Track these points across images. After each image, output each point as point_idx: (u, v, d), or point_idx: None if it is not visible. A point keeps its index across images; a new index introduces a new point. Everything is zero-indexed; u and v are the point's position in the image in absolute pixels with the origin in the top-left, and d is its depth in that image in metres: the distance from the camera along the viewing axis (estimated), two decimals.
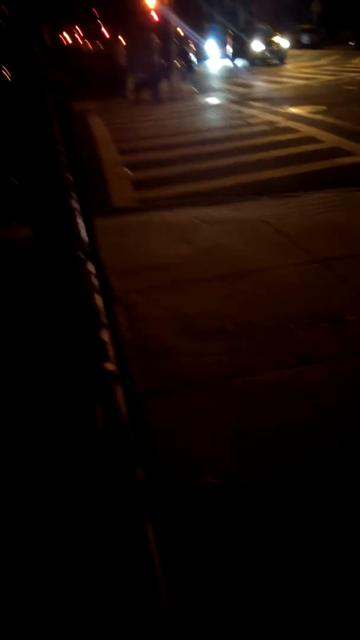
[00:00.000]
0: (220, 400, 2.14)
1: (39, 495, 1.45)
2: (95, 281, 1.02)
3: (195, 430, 1.99)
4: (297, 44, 31.11)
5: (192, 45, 22.84)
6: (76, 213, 1.18)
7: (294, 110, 10.29)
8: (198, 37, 27.15)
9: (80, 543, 1.14)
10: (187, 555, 1.50)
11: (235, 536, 1.55)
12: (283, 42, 23.34)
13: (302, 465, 1.78)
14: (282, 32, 24.64)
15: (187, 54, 20.77)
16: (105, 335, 0.86)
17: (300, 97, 11.92)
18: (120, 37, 16.59)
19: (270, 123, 9.12)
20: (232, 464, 1.81)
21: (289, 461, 1.81)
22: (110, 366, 0.70)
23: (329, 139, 7.46)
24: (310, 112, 9.83)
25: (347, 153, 6.58)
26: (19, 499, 1.48)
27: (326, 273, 3.19)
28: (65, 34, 48.51)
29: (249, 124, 9.21)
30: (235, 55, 24.89)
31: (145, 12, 18.53)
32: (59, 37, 44.57)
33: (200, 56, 26.02)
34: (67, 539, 1.26)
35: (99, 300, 0.98)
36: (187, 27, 24.30)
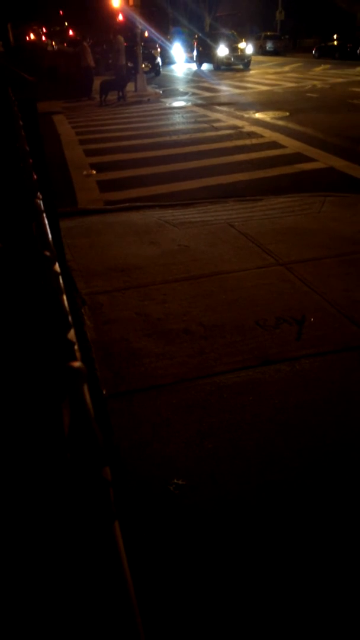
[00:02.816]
0: (185, 401, 2.17)
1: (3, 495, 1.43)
2: (61, 282, 1.02)
3: (160, 431, 2.01)
4: (260, 51, 31.79)
5: (158, 49, 22.94)
6: (42, 213, 1.18)
7: (258, 115, 10.51)
8: (164, 40, 27.29)
9: (47, 541, 1.14)
10: (154, 552, 1.53)
11: (195, 534, 1.59)
12: (248, 48, 23.79)
13: (265, 465, 1.84)
14: (246, 38, 25.10)
15: (153, 57, 20.84)
16: (72, 336, 0.87)
17: (264, 102, 12.18)
18: (86, 37, 16.39)
19: (235, 127, 9.28)
20: (195, 463, 1.84)
21: (250, 461, 1.86)
22: (77, 364, 0.71)
23: (292, 145, 7.67)
24: (273, 118, 10.07)
25: (309, 159, 6.79)
26: None
27: (289, 276, 3.29)
28: (30, 33, 47.60)
29: (214, 128, 9.34)
30: (200, 59, 25.15)
31: (111, 13, 18.45)
32: (24, 36, 43.67)
33: (167, 60, 26.16)
34: (33, 538, 1.25)
35: (65, 301, 0.98)
36: (153, 31, 24.39)
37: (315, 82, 15.96)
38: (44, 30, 52.61)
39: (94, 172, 6.64)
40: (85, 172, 6.61)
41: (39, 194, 1.31)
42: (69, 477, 0.71)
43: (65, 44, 28.84)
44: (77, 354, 0.90)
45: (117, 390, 2.26)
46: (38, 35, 50.41)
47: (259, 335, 2.64)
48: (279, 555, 1.51)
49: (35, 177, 1.42)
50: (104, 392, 2.23)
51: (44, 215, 1.22)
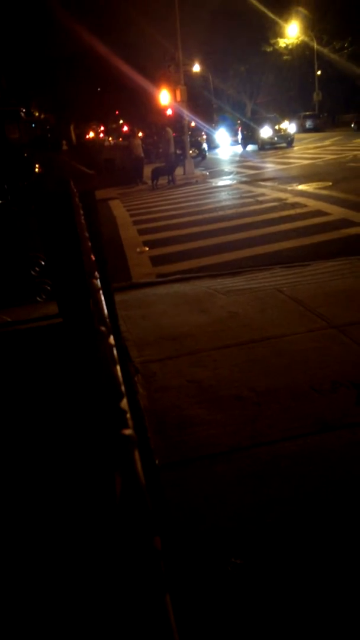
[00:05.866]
0: (240, 472, 2.10)
1: (57, 562, 1.43)
2: (115, 353, 1.09)
3: (214, 504, 1.93)
4: (301, 129, 33.71)
5: (204, 135, 25.02)
6: (99, 291, 1.29)
7: (301, 187, 10.91)
8: (209, 127, 29.75)
9: (97, 613, 1.11)
10: (208, 633, 1.42)
11: (251, 619, 1.46)
12: (290, 127, 25.35)
13: (332, 545, 1.70)
14: (288, 119, 26.82)
15: (199, 143, 22.70)
16: (125, 405, 0.92)
17: (307, 175, 12.68)
18: (137, 131, 18.37)
19: (279, 199, 9.66)
20: (252, 540, 1.74)
21: (315, 539, 1.73)
22: (128, 432, 0.75)
23: (336, 212, 7.82)
24: (316, 188, 10.40)
25: (354, 224, 6.86)
26: (39, 563, 1.46)
27: (343, 338, 3.22)
28: (90, 131, 53.97)
29: (259, 202, 9.77)
30: (245, 141, 26.99)
31: (161, 109, 20.63)
32: (85, 134, 49.56)
33: (212, 144, 28.32)
34: (85, 609, 1.22)
35: (119, 371, 1.05)
36: (199, 120, 26.77)
37: (356, 153, 16.49)
38: (102, 127, 59.34)
39: (147, 248, 7.08)
40: (138, 249, 7.07)
41: (96, 273, 1.44)
42: (120, 545, 0.72)
43: (120, 139, 32.23)
44: (130, 422, 0.94)
45: (170, 460, 2.23)
46: (97, 133, 56.79)
47: (315, 400, 2.56)
48: None
49: (93, 258, 1.57)
50: (157, 461, 2.21)
51: (100, 292, 1.33)
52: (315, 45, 35.09)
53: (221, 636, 1.43)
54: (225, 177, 14.92)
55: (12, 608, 1.39)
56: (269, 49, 35.86)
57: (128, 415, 0.96)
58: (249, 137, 26.37)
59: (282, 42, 36.04)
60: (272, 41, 35.64)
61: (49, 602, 1.36)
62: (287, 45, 36.54)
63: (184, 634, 1.37)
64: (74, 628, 1.22)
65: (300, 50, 36.89)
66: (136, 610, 0.67)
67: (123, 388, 1.04)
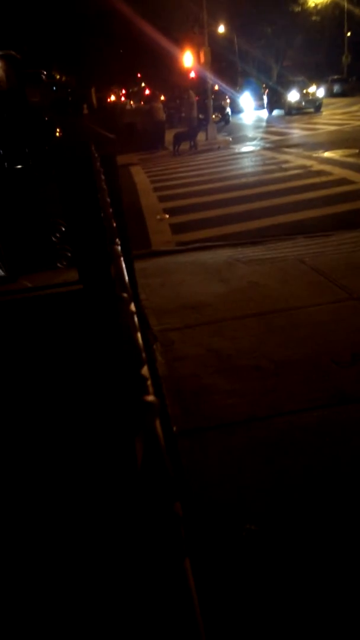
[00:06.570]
0: (256, 441, 2.11)
1: (79, 524, 1.48)
2: (136, 320, 1.09)
3: (231, 472, 1.96)
4: (329, 93, 32.11)
5: (228, 99, 24.09)
6: (120, 257, 1.27)
7: (327, 154, 10.50)
8: (233, 91, 28.59)
9: (118, 574, 1.15)
10: (224, 597, 1.46)
11: (266, 583, 1.50)
12: (318, 91, 24.17)
13: (347, 515, 1.71)
14: (316, 83, 25.55)
15: (223, 108, 21.89)
16: (146, 372, 0.92)
17: (333, 141, 12.17)
18: (159, 94, 17.81)
19: (304, 167, 9.33)
20: (268, 508, 1.76)
21: (329, 509, 1.74)
22: (150, 398, 0.75)
23: None
24: (342, 156, 9.99)
25: None
26: (59, 526, 1.52)
27: None
28: (111, 94, 52.60)
29: (283, 169, 9.46)
30: (271, 106, 25.91)
31: (184, 72, 19.88)
32: (106, 97, 48.32)
33: (236, 109, 27.28)
34: (107, 570, 1.27)
35: (139, 338, 1.04)
36: (222, 83, 25.73)
37: None
38: (124, 91, 57.76)
39: (167, 216, 6.98)
40: (158, 217, 6.97)
41: (117, 239, 1.41)
42: (141, 510, 0.73)
43: (142, 102, 31.33)
44: (150, 389, 0.93)
45: (187, 427, 2.26)
46: (118, 96, 55.33)
47: (334, 372, 2.53)
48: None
49: (114, 224, 1.54)
50: (174, 429, 2.24)
51: (121, 258, 1.32)
52: (346, 5, 32.93)
53: (235, 596, 1.47)
54: (248, 143, 14.44)
55: (38, 562, 1.45)
56: (297, 9, 33.79)
57: (149, 382, 0.96)
58: (275, 101, 25.27)
59: (311, 2, 33.90)
60: (301, 0, 33.54)
61: (69, 564, 1.42)
62: (316, 5, 34.37)
63: (202, 595, 1.42)
64: (98, 588, 1.27)
65: (330, 11, 34.68)
66: (157, 573, 0.68)
67: (144, 355, 1.03)
